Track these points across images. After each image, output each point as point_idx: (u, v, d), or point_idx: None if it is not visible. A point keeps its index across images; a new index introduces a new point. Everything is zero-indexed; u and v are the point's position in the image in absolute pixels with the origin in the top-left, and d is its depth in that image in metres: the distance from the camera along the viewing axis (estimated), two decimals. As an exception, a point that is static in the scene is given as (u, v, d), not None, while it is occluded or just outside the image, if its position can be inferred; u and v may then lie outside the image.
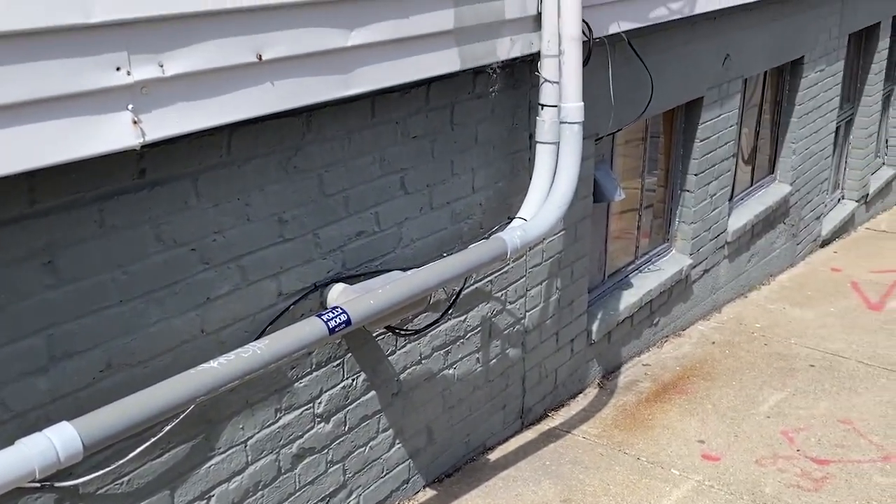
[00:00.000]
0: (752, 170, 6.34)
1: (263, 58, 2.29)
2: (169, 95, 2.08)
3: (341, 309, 2.47)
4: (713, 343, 5.30)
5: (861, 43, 7.78)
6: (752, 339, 5.37)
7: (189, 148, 2.30)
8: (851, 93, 7.90)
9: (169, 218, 2.31)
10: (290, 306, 2.70)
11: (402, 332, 3.19)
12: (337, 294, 2.72)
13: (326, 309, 2.57)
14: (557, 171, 3.44)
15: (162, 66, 2.05)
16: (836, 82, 6.98)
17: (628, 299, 4.80)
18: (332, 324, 2.41)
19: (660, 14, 4.19)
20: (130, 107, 2.00)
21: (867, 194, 8.39)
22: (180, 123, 2.12)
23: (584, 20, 3.42)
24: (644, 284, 4.97)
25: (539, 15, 3.36)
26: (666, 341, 5.28)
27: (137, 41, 1.99)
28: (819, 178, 7.15)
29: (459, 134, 3.30)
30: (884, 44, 7.97)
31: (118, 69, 1.97)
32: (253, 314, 2.60)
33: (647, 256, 5.20)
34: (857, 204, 8.20)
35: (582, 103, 3.36)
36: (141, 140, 2.03)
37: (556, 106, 3.40)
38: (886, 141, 9.18)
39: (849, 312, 5.89)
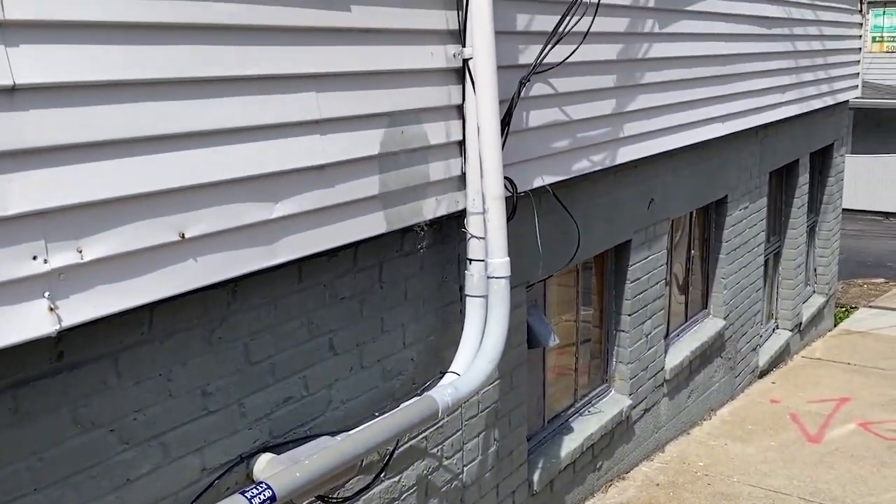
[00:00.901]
0: (686, 305, 6.48)
1: (186, 235, 2.32)
2: (87, 280, 2.08)
3: (266, 484, 2.42)
4: (657, 485, 5.28)
5: (782, 179, 8.15)
6: (695, 479, 5.36)
7: (109, 327, 2.29)
8: (777, 226, 8.21)
9: (87, 400, 2.27)
10: (214, 481, 2.64)
11: (333, 500, 3.12)
12: (263, 465, 2.67)
13: (253, 482, 2.51)
14: (487, 323, 3.48)
15: (80, 251, 2.07)
16: (761, 218, 7.26)
17: (570, 445, 4.78)
18: (255, 501, 2.36)
19: (583, 166, 4.36)
20: (47, 294, 2.00)
21: (800, 323, 8.60)
22: (99, 307, 2.12)
23: (507, 177, 3.55)
24: (585, 428, 4.97)
25: (463, 175, 3.47)
26: (610, 485, 5.24)
27: (55, 229, 2.01)
28: (752, 310, 7.32)
29: (389, 291, 3.35)
30: (804, 179, 8.35)
31: (35, 258, 1.97)
32: (175, 492, 2.54)
33: (586, 398, 5.22)
34: (791, 333, 8.39)
35: (507, 259, 3.44)
36: (58, 327, 2.02)
37: (483, 260, 3.48)
38: (815, 270, 9.49)
39: (789, 446, 5.93)
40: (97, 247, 2.10)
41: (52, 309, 2.01)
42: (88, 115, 2.05)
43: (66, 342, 2.19)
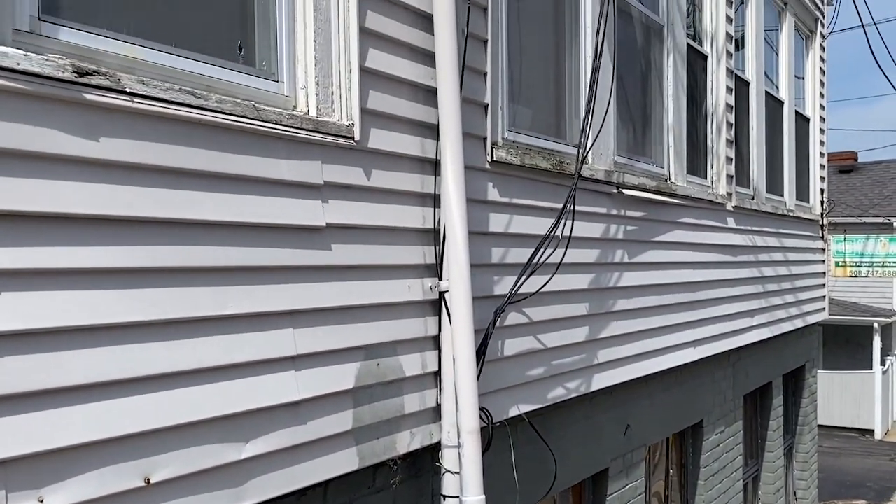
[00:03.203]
0: (666, 534, 6.27)
1: (152, 481, 2.24)
2: (43, 530, 1.99)
3: None
4: None
5: (757, 402, 8.16)
6: None
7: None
8: (754, 450, 8.13)
9: None
10: None
11: None
12: None
13: None
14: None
15: (41, 500, 1.99)
16: (738, 442, 7.19)
17: None
18: None
19: (558, 394, 4.35)
20: (-1, 547, 1.91)
21: (784, 550, 8.32)
22: (52, 560, 2.01)
23: (483, 407, 3.52)
24: None
25: (439, 406, 3.44)
26: None
27: (15, 478, 1.94)
28: (734, 538, 7.10)
29: (360, 530, 3.22)
30: (778, 401, 8.36)
31: (-10, 508, 1.89)
32: None
33: None
34: (775, 561, 8.10)
35: (483, 496, 3.34)
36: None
37: (458, 497, 3.38)
38: (794, 493, 9.30)
39: None
40: (59, 496, 2.02)
41: (3, 563, 1.91)
42: (58, 360, 2.04)
43: None
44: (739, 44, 7.47)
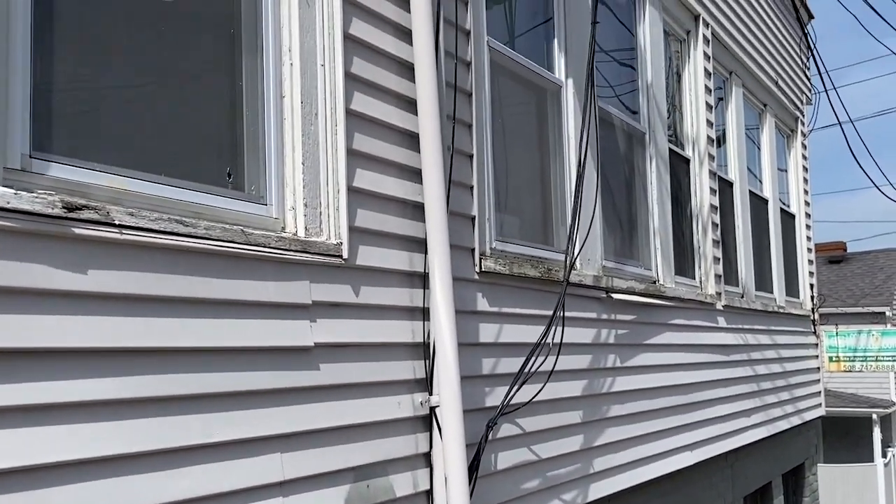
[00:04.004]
0: None
1: None
2: None
3: None
4: None
5: (757, 503, 8.01)
6: None
7: None
8: (757, 552, 7.94)
9: None
10: None
11: None
12: None
13: None
14: None
15: None
16: (740, 545, 7.04)
17: None
18: None
19: (554, 506, 4.27)
20: None
21: None
22: None
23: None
24: None
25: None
26: None
27: None
28: None
29: None
30: (779, 501, 8.22)
31: None
32: None
33: None
34: None
35: None
36: None
37: None
38: None
39: None
40: None
41: None
42: (47, 497, 2.01)
43: None
44: (721, 140, 7.64)
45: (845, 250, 29.93)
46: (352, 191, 3.11)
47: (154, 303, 2.31)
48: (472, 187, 3.86)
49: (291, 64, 2.99)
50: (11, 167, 2.08)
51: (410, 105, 3.46)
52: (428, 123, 3.44)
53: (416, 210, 3.44)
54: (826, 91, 9.56)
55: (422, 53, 3.46)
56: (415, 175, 3.45)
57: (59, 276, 2.08)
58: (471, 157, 3.87)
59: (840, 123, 9.20)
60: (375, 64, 3.32)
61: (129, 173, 2.39)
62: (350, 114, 3.15)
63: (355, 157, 3.15)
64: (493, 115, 4.22)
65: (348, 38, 3.18)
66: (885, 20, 9.02)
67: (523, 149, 4.65)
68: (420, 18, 3.46)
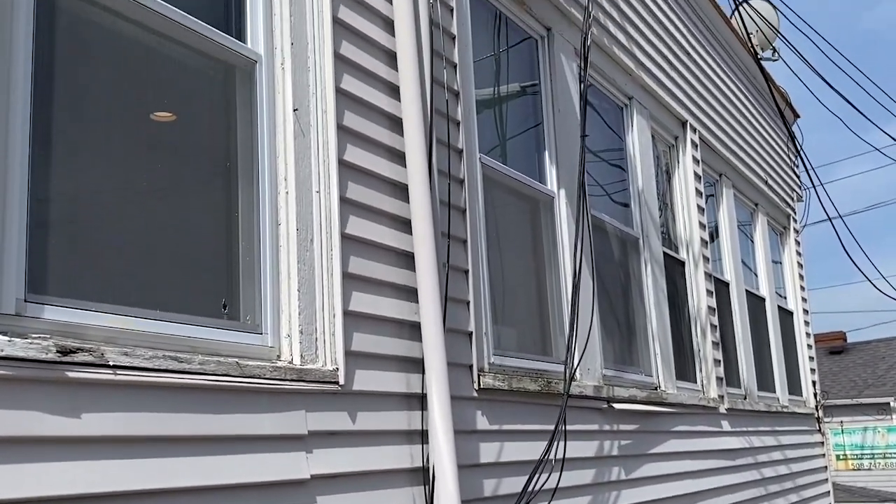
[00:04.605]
0: None
1: None
2: None
3: None
4: None
5: None
6: None
7: None
8: None
9: None
10: None
11: None
12: None
13: None
14: None
15: None
16: None
17: None
18: None
19: None
20: None
21: None
22: None
23: None
24: None
25: None
26: None
27: None
28: None
29: None
30: None
31: None
32: None
33: None
34: None
35: None
36: None
37: None
38: None
39: None
40: None
41: None
42: None
43: None
44: (714, 235, 7.69)
45: (845, 340, 29.80)
46: (348, 314, 3.10)
47: (147, 443, 2.28)
48: (468, 302, 3.86)
49: (287, 192, 3.03)
50: (6, 312, 2.08)
51: (405, 225, 3.49)
52: (423, 242, 3.45)
53: (413, 329, 3.43)
54: (814, 187, 9.66)
55: (415, 174, 3.50)
56: (410, 294, 3.45)
57: (51, 421, 2.05)
58: (466, 272, 3.88)
59: (830, 220, 9.27)
60: (370, 187, 3.36)
61: (124, 311, 2.39)
62: (345, 237, 3.17)
63: (351, 281, 3.16)
64: (488, 228, 4.26)
65: (343, 164, 3.23)
66: (866, 118, 9.21)
67: (519, 260, 4.68)
68: (413, 141, 3.52)
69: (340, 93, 3.29)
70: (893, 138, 13.63)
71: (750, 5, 8.43)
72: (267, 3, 3.16)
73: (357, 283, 3.19)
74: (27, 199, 2.19)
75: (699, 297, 6.78)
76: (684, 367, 6.36)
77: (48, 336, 2.09)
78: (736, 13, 8.15)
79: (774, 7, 9.22)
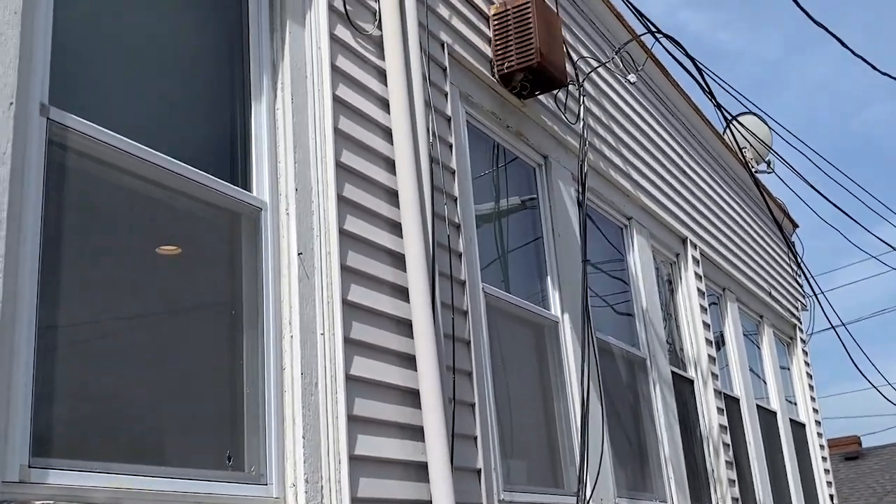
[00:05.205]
0: None
1: None
2: None
3: None
4: None
5: None
6: None
7: None
8: None
9: None
10: None
11: None
12: None
13: None
14: None
15: None
16: None
17: None
18: None
19: None
20: None
21: None
22: None
23: None
24: None
25: None
26: None
27: None
28: None
29: None
30: None
31: None
32: None
33: None
34: None
35: None
36: None
37: None
38: None
39: None
40: None
41: None
42: None
43: None
44: (720, 345, 7.64)
45: (860, 445, 29.19)
46: (353, 459, 3.06)
47: None
48: (475, 438, 3.81)
49: (292, 336, 3.03)
50: (10, 480, 2.05)
51: (409, 361, 3.48)
52: (428, 379, 3.44)
53: (420, 470, 3.37)
54: (815, 296, 9.65)
55: (419, 310, 3.51)
56: (417, 433, 3.41)
57: None
58: (472, 405, 3.85)
59: (834, 328, 9.24)
60: (373, 325, 3.37)
61: (129, 469, 2.36)
62: (350, 379, 3.16)
63: (356, 423, 3.13)
64: (493, 358, 4.24)
65: (347, 304, 3.25)
66: (861, 226, 9.29)
67: (525, 389, 4.64)
68: (416, 276, 3.54)
69: (344, 234, 3.34)
70: (888, 244, 13.71)
71: (739, 122, 8.62)
72: (272, 150, 3.24)
73: (362, 425, 3.16)
74: (33, 365, 2.19)
75: (710, 415, 6.69)
76: (699, 489, 6.22)
77: (52, 502, 2.06)
78: (728, 130, 8.33)
79: (765, 123, 9.44)
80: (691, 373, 6.74)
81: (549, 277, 5.06)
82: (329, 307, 3.17)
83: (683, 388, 6.50)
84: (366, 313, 3.35)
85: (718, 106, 6.78)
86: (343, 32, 3.62)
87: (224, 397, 2.83)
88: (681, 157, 7.47)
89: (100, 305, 2.48)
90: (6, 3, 2.27)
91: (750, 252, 8.84)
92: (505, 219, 5.04)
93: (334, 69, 3.52)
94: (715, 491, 6.43)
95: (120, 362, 2.50)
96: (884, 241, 12.79)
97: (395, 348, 3.44)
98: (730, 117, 8.40)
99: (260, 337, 2.97)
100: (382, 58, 3.82)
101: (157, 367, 2.61)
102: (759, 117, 9.48)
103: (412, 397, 3.44)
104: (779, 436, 8.44)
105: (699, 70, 6.57)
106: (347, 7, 3.67)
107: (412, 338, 3.50)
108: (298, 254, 3.14)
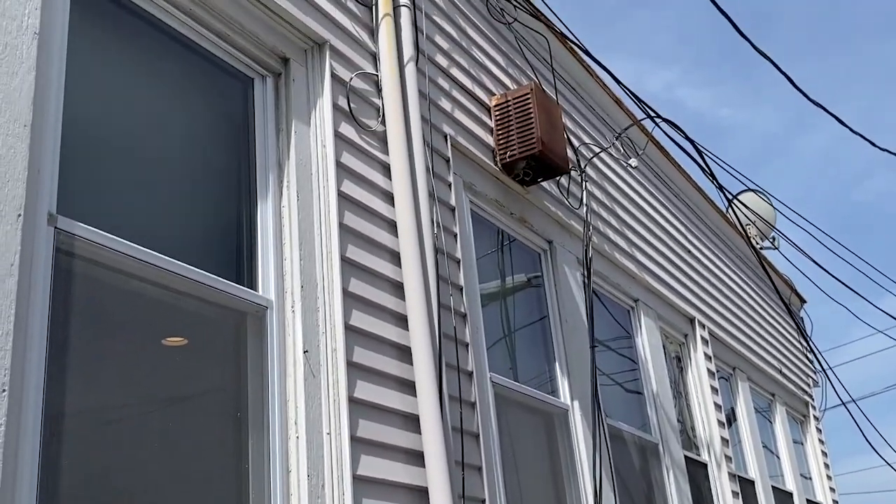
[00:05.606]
0: None
1: None
2: None
3: None
4: None
5: None
6: None
7: None
8: None
9: None
10: None
11: None
12: None
13: None
14: None
15: None
16: None
17: None
18: None
19: None
20: None
21: None
22: None
23: None
24: None
25: None
26: None
27: None
28: None
29: None
30: None
31: None
32: None
33: None
34: None
35: None
36: None
37: None
38: None
39: None
40: None
41: None
42: None
43: None
44: (732, 422, 7.52)
45: (882, 521, 28.51)
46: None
47: None
48: (486, 536, 3.72)
49: (297, 436, 2.99)
50: None
51: (418, 458, 3.42)
52: (437, 477, 3.37)
53: (431, 572, 3.29)
54: (825, 372, 9.53)
55: (426, 405, 3.47)
56: (427, 534, 3.33)
57: None
58: (483, 502, 3.77)
59: (845, 405, 9.10)
60: (381, 422, 3.33)
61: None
62: (357, 479, 3.10)
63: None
64: (503, 450, 4.17)
65: (353, 401, 3.21)
66: (866, 300, 9.23)
67: (537, 481, 4.55)
68: (422, 370, 3.51)
69: (350, 329, 3.32)
70: (893, 317, 13.59)
71: (740, 202, 8.66)
72: (278, 247, 3.25)
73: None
74: (37, 479, 2.16)
75: (725, 499, 6.55)
76: (717, 578, 6.05)
77: None
78: (731, 209, 8.37)
79: (768, 202, 9.49)
80: (704, 456, 6.62)
81: (557, 363, 5.01)
82: (335, 405, 3.13)
83: (697, 472, 6.38)
84: (372, 410, 3.31)
85: (720, 187, 6.82)
86: (347, 129, 3.67)
87: (229, 502, 2.77)
88: (685, 237, 7.48)
89: (104, 407, 2.45)
90: (16, 117, 2.31)
91: (759, 330, 8.79)
92: (511, 301, 5.02)
93: (339, 165, 3.55)
94: (734, 579, 6.25)
95: (125, 468, 2.47)
96: (890, 315, 12.65)
97: (402, 445, 3.39)
98: (731, 197, 8.45)
99: (265, 440, 2.93)
100: (386, 152, 3.86)
101: (161, 473, 2.57)
102: (761, 194, 9.53)
103: (421, 496, 3.38)
104: (796, 518, 8.25)
105: (699, 152, 6.63)
106: (352, 105, 3.72)
107: (420, 433, 3.45)
108: (304, 351, 3.12)
